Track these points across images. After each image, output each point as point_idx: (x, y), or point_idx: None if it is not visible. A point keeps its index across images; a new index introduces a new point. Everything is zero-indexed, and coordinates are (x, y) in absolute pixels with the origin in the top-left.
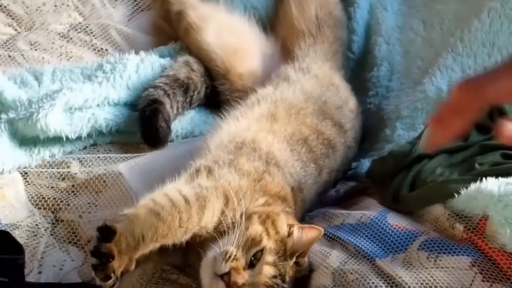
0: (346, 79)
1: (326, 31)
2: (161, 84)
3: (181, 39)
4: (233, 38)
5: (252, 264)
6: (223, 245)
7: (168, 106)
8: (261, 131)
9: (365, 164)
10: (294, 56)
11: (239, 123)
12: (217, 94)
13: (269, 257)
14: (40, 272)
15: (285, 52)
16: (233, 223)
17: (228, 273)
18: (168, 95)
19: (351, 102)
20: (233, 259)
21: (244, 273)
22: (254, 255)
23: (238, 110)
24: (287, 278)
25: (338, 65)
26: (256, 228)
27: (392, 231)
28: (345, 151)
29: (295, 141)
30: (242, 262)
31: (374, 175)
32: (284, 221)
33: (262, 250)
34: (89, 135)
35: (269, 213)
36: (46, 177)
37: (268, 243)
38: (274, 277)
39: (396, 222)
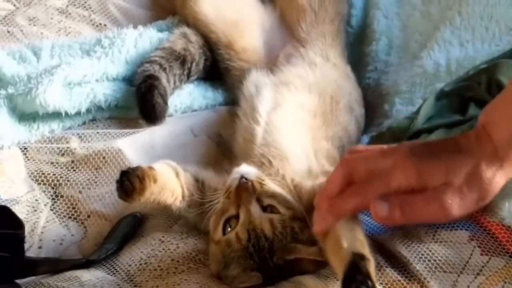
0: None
1: (327, 6)
2: (156, 58)
3: (179, 13)
4: (232, 9)
5: (264, 208)
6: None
7: (164, 80)
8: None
9: (364, 140)
10: (303, 37)
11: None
12: (217, 66)
13: (276, 220)
14: (40, 247)
15: (284, 24)
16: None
17: (244, 184)
18: (164, 69)
19: (360, 96)
20: (261, 182)
21: (253, 197)
22: (271, 207)
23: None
24: (274, 258)
25: (343, 48)
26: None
27: None
28: None
29: (336, 147)
30: (262, 193)
31: None
32: None
33: (277, 211)
34: (88, 111)
35: None
36: (46, 153)
37: (289, 215)
38: (265, 237)
39: None
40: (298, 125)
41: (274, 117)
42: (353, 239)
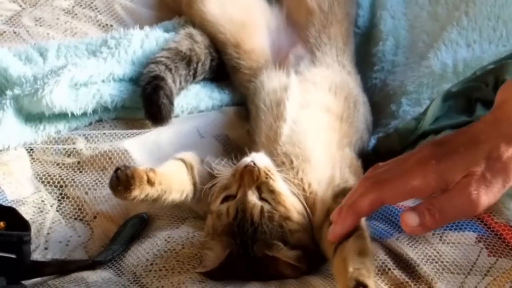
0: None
1: (336, 7)
2: (162, 59)
3: (185, 13)
4: (239, 9)
5: (260, 197)
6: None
7: (170, 80)
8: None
9: (371, 141)
10: (314, 40)
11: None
12: (223, 67)
13: (266, 209)
14: (46, 248)
15: (291, 25)
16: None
17: (250, 168)
18: (170, 70)
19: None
20: (268, 174)
21: (255, 183)
22: (266, 198)
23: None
24: (254, 247)
25: (353, 55)
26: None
27: (398, 211)
28: None
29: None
30: (264, 184)
31: (379, 152)
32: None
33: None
34: (95, 111)
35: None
36: (52, 154)
37: (282, 212)
38: (252, 221)
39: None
40: (325, 128)
41: (301, 116)
42: (360, 265)
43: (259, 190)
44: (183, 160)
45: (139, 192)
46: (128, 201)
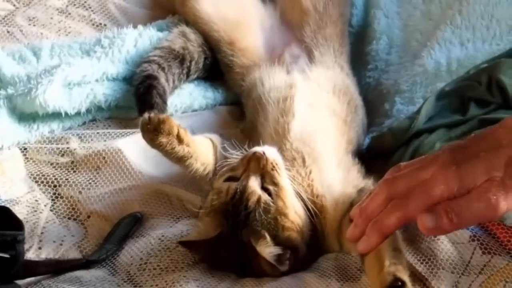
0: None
1: (331, 8)
2: (155, 58)
3: (178, 11)
4: (232, 8)
5: (263, 186)
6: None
7: (163, 80)
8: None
9: (365, 140)
10: (309, 41)
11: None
12: (217, 66)
13: (263, 200)
14: (40, 248)
15: (285, 25)
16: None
17: (259, 155)
18: (163, 69)
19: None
20: (274, 166)
21: (259, 171)
22: (268, 190)
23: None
24: (243, 231)
25: (349, 57)
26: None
27: None
28: None
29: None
30: (268, 175)
31: (373, 152)
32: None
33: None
34: (88, 111)
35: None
36: (46, 153)
37: (279, 207)
38: (246, 206)
39: None
40: (333, 130)
41: (310, 115)
42: (397, 260)
43: (262, 178)
44: (211, 140)
45: (166, 141)
46: (155, 147)
